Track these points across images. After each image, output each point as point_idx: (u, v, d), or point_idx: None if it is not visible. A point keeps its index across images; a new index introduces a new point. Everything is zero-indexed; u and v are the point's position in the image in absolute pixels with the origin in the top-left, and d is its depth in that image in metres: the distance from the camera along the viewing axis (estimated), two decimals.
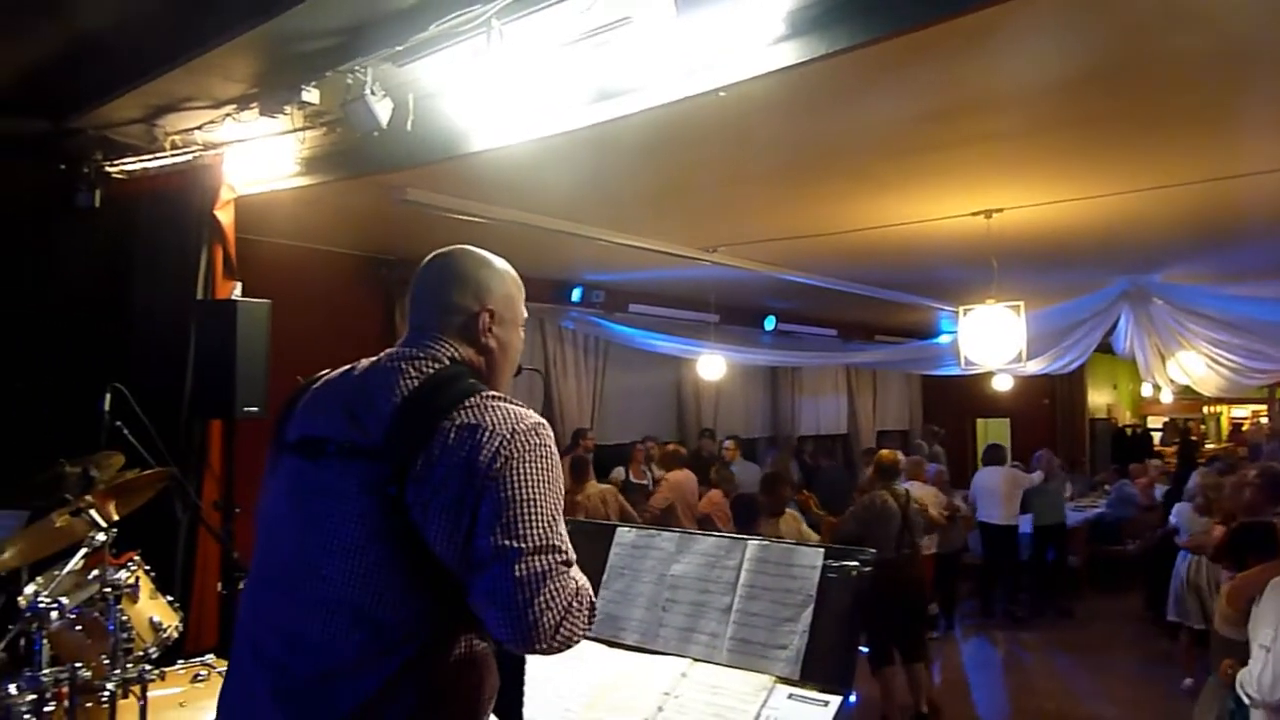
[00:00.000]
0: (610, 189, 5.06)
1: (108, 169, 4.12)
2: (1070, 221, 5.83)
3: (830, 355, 11.77)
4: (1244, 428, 15.51)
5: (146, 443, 3.40)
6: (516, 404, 1.52)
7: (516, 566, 1.37)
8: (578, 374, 8.79)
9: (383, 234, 6.30)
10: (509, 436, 1.44)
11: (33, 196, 4.19)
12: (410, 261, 1.80)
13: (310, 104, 3.32)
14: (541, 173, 4.31)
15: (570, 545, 1.47)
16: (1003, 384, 10.16)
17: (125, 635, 2.87)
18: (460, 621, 1.45)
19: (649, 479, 8.14)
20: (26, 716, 2.63)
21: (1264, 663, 3.10)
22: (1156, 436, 15.46)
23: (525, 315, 1.77)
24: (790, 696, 1.81)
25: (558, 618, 1.39)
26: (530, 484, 1.43)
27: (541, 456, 1.46)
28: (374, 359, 1.64)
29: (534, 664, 2.04)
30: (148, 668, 2.88)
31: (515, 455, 1.43)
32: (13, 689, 2.63)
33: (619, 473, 8.13)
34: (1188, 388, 9.75)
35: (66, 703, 2.68)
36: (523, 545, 1.38)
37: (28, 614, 2.71)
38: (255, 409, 3.70)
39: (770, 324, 10.73)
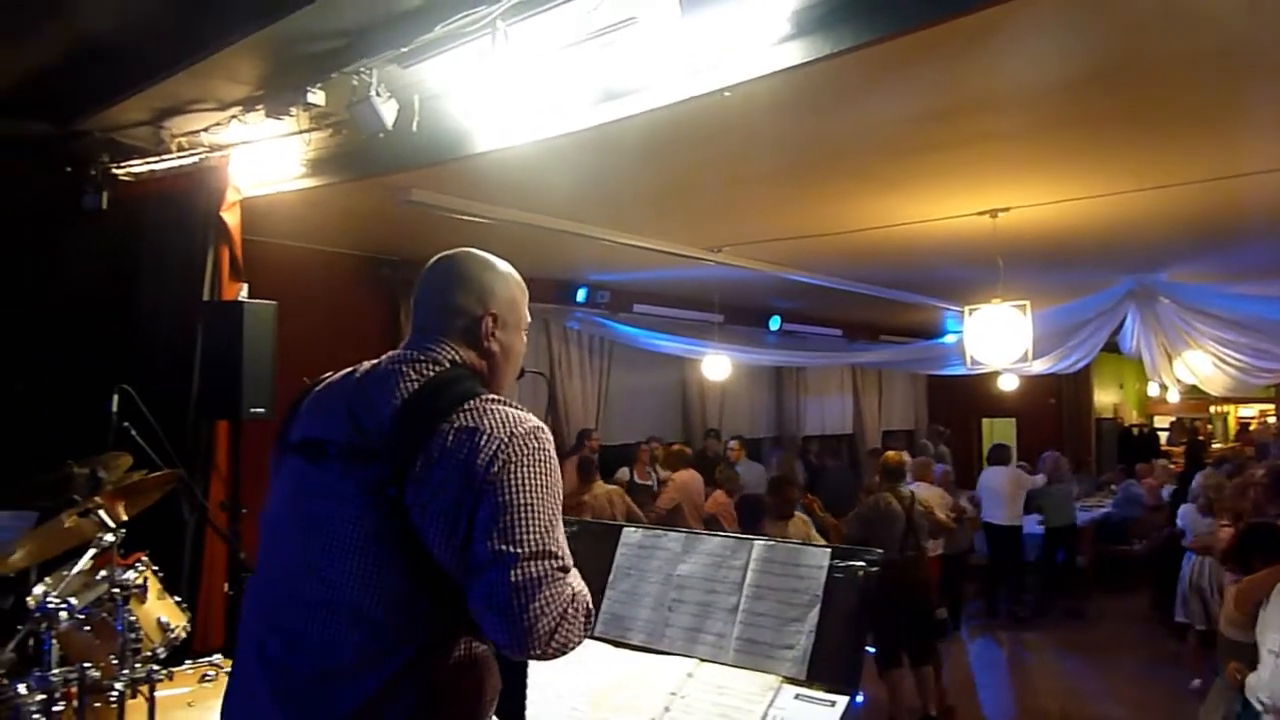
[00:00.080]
0: (615, 189, 5.06)
1: (114, 171, 4.14)
2: (1076, 221, 5.82)
3: (835, 355, 11.76)
4: (1251, 427, 15.44)
5: (154, 444, 3.42)
6: (516, 407, 1.52)
7: (513, 572, 1.37)
8: (582, 374, 8.80)
9: (386, 235, 6.31)
10: (507, 440, 1.44)
11: (40, 199, 4.22)
12: (414, 262, 1.80)
13: (316, 106, 3.33)
14: (546, 173, 4.31)
15: (568, 550, 1.47)
16: (1008, 384, 10.15)
17: (133, 635, 2.89)
18: (460, 624, 1.46)
19: (653, 480, 8.15)
20: (36, 716, 2.64)
21: (1273, 668, 3.09)
22: (1163, 436, 15.41)
23: (528, 319, 1.77)
24: (797, 697, 1.81)
25: (553, 624, 1.39)
26: (528, 488, 1.43)
27: (540, 460, 1.46)
28: (375, 361, 1.65)
29: (539, 665, 2.05)
30: (156, 668, 2.89)
31: (513, 459, 1.43)
32: (22, 689, 2.64)
33: (623, 473, 8.13)
34: (1194, 387, 9.71)
35: (75, 702, 2.70)
36: (519, 550, 1.38)
37: (37, 614, 2.72)
38: (261, 410, 3.71)
39: (775, 324, 10.73)
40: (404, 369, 1.57)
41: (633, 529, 2.28)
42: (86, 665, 2.73)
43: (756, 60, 2.64)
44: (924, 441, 11.46)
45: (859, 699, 1.79)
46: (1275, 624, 3.19)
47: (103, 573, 2.93)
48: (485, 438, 1.44)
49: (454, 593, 1.43)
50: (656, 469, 8.27)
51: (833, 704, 1.77)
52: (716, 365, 8.50)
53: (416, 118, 3.27)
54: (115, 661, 2.81)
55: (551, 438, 1.53)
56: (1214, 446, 13.26)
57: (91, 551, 2.87)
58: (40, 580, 3.00)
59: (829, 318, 11.69)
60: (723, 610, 2.01)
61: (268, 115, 3.50)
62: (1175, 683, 6.23)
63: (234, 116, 3.73)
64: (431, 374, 1.56)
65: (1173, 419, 15.91)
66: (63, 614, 2.73)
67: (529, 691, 1.83)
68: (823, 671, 1.83)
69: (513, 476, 1.42)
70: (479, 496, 1.41)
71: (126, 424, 3.37)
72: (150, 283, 4.28)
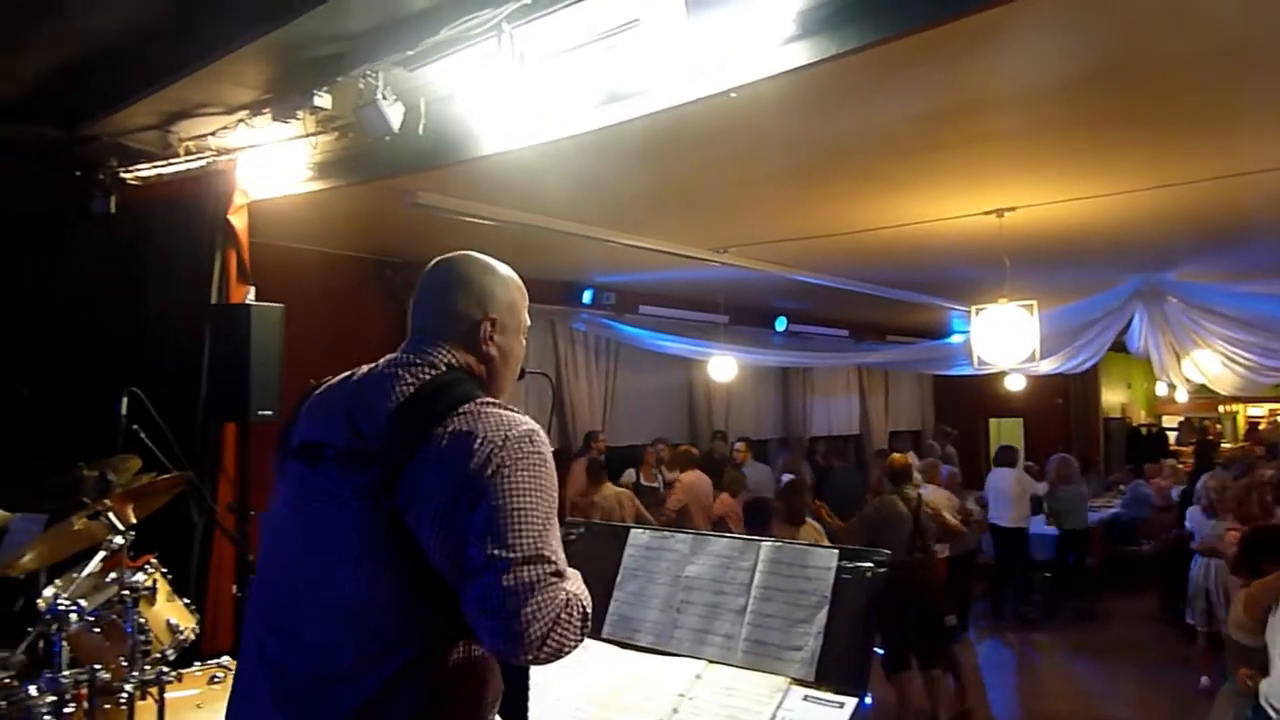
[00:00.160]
0: (620, 190, 5.07)
1: (122, 175, 4.15)
2: (1083, 220, 5.80)
3: (842, 356, 11.74)
4: (1261, 426, 15.39)
5: (163, 446, 3.43)
6: (512, 410, 1.52)
7: (505, 576, 1.37)
8: (589, 376, 8.80)
9: (392, 237, 6.33)
10: (500, 444, 1.44)
11: (49, 203, 4.24)
12: (419, 264, 1.80)
13: (322, 109, 3.34)
14: (551, 175, 4.32)
15: (563, 554, 1.47)
16: (1016, 384, 10.12)
17: (143, 637, 2.90)
18: (459, 626, 1.45)
19: (659, 481, 8.15)
20: (46, 717, 2.66)
21: None
22: (1172, 436, 15.34)
23: (528, 322, 1.77)
24: (805, 698, 1.80)
25: (545, 628, 1.39)
26: (521, 492, 1.42)
27: (534, 464, 1.46)
28: (373, 365, 1.65)
29: (546, 667, 2.05)
30: (165, 669, 2.91)
31: (507, 463, 1.43)
32: (33, 690, 2.66)
33: (629, 475, 8.13)
34: (1203, 386, 9.67)
35: (86, 704, 2.71)
36: (512, 555, 1.38)
37: (47, 616, 2.73)
38: (269, 412, 3.72)
39: (781, 324, 10.71)
40: (400, 373, 1.57)
41: (640, 530, 2.28)
42: (96, 667, 2.74)
43: (762, 61, 2.64)
44: (931, 442, 11.43)
45: (867, 701, 1.79)
46: None
47: (112, 575, 2.94)
48: (479, 441, 1.44)
49: (452, 596, 1.43)
50: (663, 470, 8.27)
51: (841, 706, 1.77)
52: (722, 366, 8.49)
53: (422, 121, 3.28)
54: (125, 663, 2.82)
55: (547, 440, 1.52)
56: (1223, 446, 13.22)
57: (101, 554, 2.89)
58: (50, 582, 3.01)
59: (835, 318, 11.68)
60: (731, 612, 2.01)
61: (274, 119, 3.51)
62: (1184, 684, 6.20)
63: (241, 120, 3.74)
64: (427, 377, 1.55)
65: (1181, 418, 15.82)
66: (73, 616, 2.74)
67: (535, 692, 1.83)
68: (831, 673, 1.83)
69: (506, 480, 1.42)
70: (472, 501, 1.41)
71: (135, 427, 3.38)
72: (158, 286, 4.30)
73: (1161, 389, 14.13)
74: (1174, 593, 7.28)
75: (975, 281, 7.95)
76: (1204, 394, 11.67)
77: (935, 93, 3.64)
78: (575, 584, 1.53)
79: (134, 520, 3.05)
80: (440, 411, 1.48)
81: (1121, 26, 3.04)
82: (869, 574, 1.90)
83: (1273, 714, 3.11)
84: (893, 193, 5.25)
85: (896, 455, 6.27)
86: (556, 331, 8.47)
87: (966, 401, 13.64)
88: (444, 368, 1.58)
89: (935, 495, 6.68)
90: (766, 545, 2.07)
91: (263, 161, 3.99)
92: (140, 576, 2.95)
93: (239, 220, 4.11)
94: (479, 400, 1.51)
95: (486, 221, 5.23)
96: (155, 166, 4.12)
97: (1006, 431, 14.20)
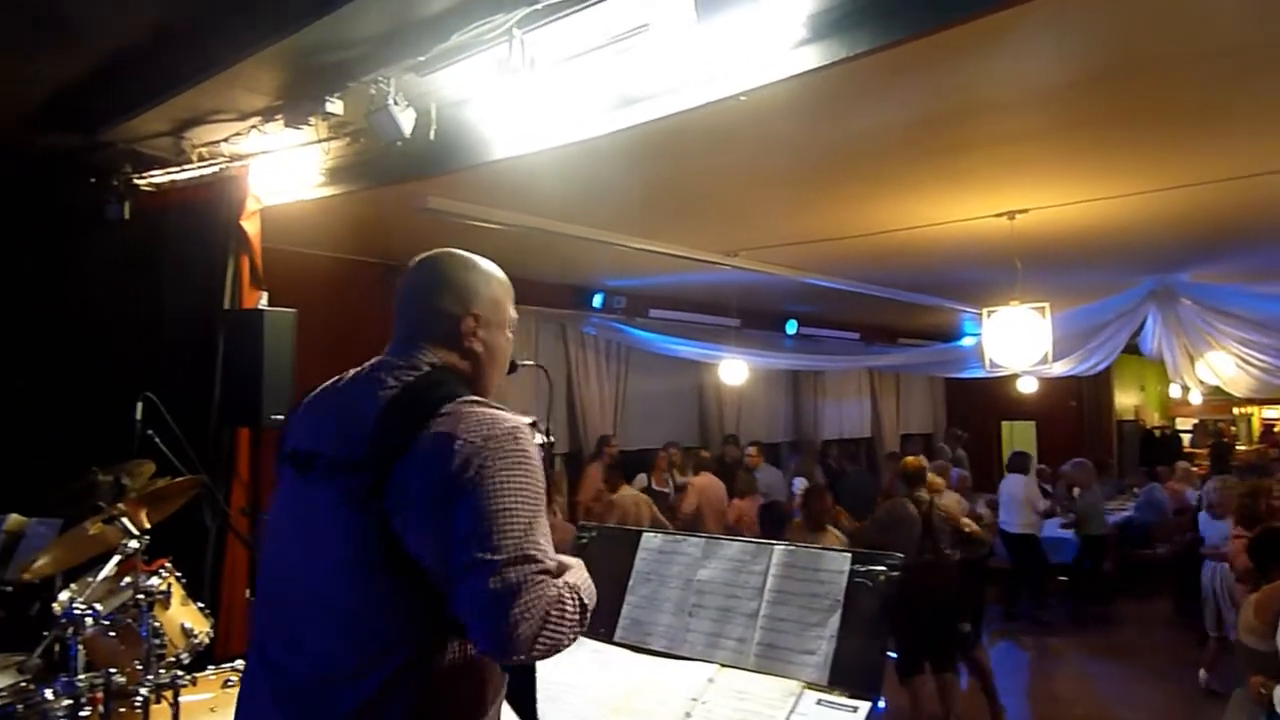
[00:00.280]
0: (630, 194, 5.07)
1: (136, 181, 4.18)
2: (1095, 221, 5.77)
3: (853, 359, 11.72)
4: (1276, 428, 15.26)
5: (177, 451, 3.45)
6: (495, 408, 1.51)
7: (491, 579, 1.36)
8: (599, 379, 8.80)
9: (402, 242, 6.34)
10: (481, 443, 1.43)
11: (65, 209, 4.27)
12: None
13: (334, 115, 3.35)
14: (561, 179, 4.33)
15: (550, 550, 1.46)
16: (1028, 386, 10.07)
17: (158, 641, 2.91)
18: (454, 626, 1.45)
19: (670, 487, 8.14)
20: None
21: None
22: (1186, 438, 15.23)
23: (514, 316, 1.75)
24: (818, 702, 1.80)
25: (535, 628, 1.38)
26: (505, 492, 1.41)
27: (517, 462, 1.44)
28: (359, 369, 1.65)
29: (559, 670, 2.05)
30: (180, 673, 2.91)
31: (489, 463, 1.42)
32: (49, 694, 2.67)
33: (640, 480, 8.13)
34: (1217, 388, 9.61)
35: (101, 708, 2.73)
36: (497, 557, 1.37)
37: (63, 620, 2.75)
38: (281, 417, 3.73)
39: (792, 328, 10.70)
40: (383, 376, 1.57)
41: (652, 534, 2.28)
42: (112, 670, 2.75)
43: (773, 65, 2.64)
44: (941, 445, 11.40)
45: (881, 705, 1.78)
46: None
47: (127, 579, 2.95)
48: (459, 443, 1.43)
49: (442, 599, 1.43)
50: (674, 475, 8.26)
51: (854, 710, 1.76)
52: (733, 370, 8.48)
53: (434, 126, 3.29)
54: (140, 667, 2.83)
55: (531, 436, 1.50)
56: (1238, 448, 13.11)
57: (116, 558, 2.90)
58: (66, 587, 3.02)
59: (846, 321, 11.65)
60: (743, 615, 2.00)
61: (287, 125, 3.53)
62: (1198, 688, 6.17)
63: (254, 126, 3.77)
64: (411, 379, 1.55)
65: (1195, 421, 15.71)
66: (88, 620, 2.75)
67: (547, 698, 1.83)
68: (844, 677, 1.82)
69: (488, 480, 1.41)
70: (456, 502, 1.40)
71: (150, 431, 3.40)
72: (172, 291, 4.32)
73: (1175, 391, 14.02)
74: (1188, 597, 7.23)
75: (987, 284, 7.92)
76: (1218, 396, 11.60)
77: (946, 95, 3.64)
78: (575, 574, 1.53)
79: (148, 525, 3.06)
80: (423, 414, 1.47)
81: (1133, 26, 3.03)
82: (882, 577, 1.90)
83: None
84: (903, 195, 5.24)
85: (910, 458, 6.24)
86: (567, 335, 8.48)
87: (978, 404, 13.59)
88: (427, 368, 1.58)
89: (946, 498, 6.64)
90: (779, 549, 2.06)
91: (275, 167, 4.02)
92: (155, 581, 2.96)
93: (252, 226, 4.13)
94: (462, 400, 1.49)
95: (497, 226, 5.25)
96: (169, 173, 4.15)
97: (1019, 434, 14.13)
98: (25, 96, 3.67)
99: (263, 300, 4.06)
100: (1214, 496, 6.60)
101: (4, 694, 2.73)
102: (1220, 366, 8.53)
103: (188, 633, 3.08)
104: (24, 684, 2.78)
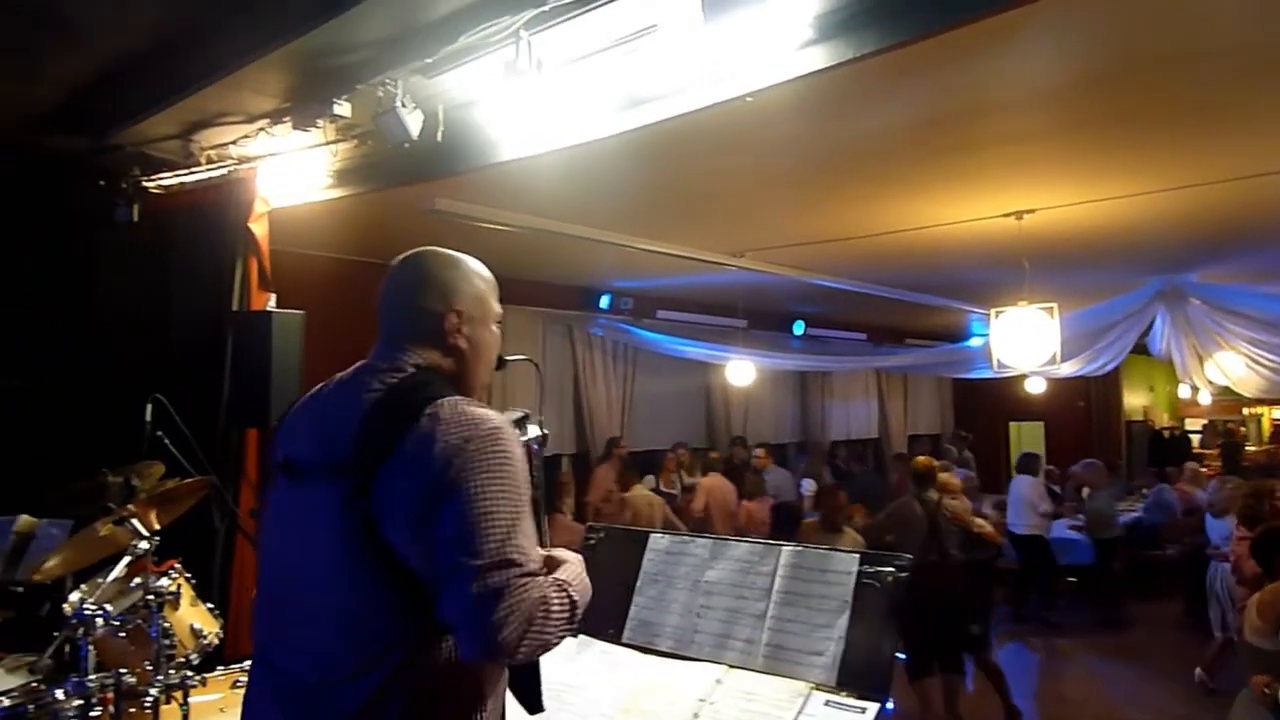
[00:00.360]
0: (637, 195, 5.08)
1: (145, 184, 4.20)
2: (1103, 221, 5.75)
3: (860, 359, 11.69)
4: None
5: (186, 452, 3.46)
6: (478, 407, 1.49)
7: (473, 584, 1.35)
8: (607, 381, 8.81)
9: (410, 243, 6.26)
10: (462, 444, 1.42)
11: (74, 212, 4.30)
12: None
13: (342, 117, 3.36)
14: (568, 181, 4.33)
15: (534, 549, 1.45)
16: (1036, 386, 10.04)
17: (167, 642, 2.92)
18: (446, 626, 1.45)
19: (678, 488, 8.14)
20: None
21: None
22: (1195, 439, 15.16)
23: (499, 311, 1.74)
24: (827, 703, 1.80)
25: (518, 632, 1.37)
26: (486, 495, 1.40)
27: (498, 463, 1.43)
28: (345, 372, 1.65)
29: (568, 671, 2.06)
30: (189, 674, 2.93)
31: (469, 465, 1.41)
32: (60, 694, 2.69)
33: (648, 481, 8.13)
34: (1227, 389, 9.56)
35: (111, 708, 2.74)
36: (478, 562, 1.36)
37: (73, 620, 2.76)
38: None
39: (799, 328, 10.68)
40: (367, 379, 1.57)
41: (660, 535, 2.28)
42: (122, 671, 2.77)
43: (779, 66, 2.64)
44: (948, 446, 11.38)
45: (889, 706, 1.78)
46: None
47: (137, 580, 2.97)
48: (440, 445, 1.42)
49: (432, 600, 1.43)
50: (682, 476, 8.26)
51: (863, 711, 1.76)
52: (741, 371, 8.48)
53: (441, 127, 3.29)
54: (150, 667, 2.84)
55: (513, 436, 1.49)
56: (1248, 449, 13.04)
57: (126, 559, 2.91)
58: (76, 587, 3.04)
59: (853, 322, 11.63)
60: (751, 616, 2.00)
61: (295, 127, 3.54)
62: (1206, 689, 6.14)
63: (262, 129, 3.78)
64: (395, 381, 1.54)
65: (1205, 421, 15.64)
66: (99, 620, 2.77)
67: (555, 699, 1.83)
68: (853, 678, 1.82)
69: (469, 483, 1.40)
70: (439, 505, 1.39)
71: (159, 433, 3.42)
72: (180, 293, 4.34)
73: (1184, 391, 13.98)
74: (1197, 597, 7.19)
75: (994, 284, 7.91)
76: (1227, 396, 11.55)
77: (953, 95, 3.63)
78: (568, 569, 1.53)
79: (158, 526, 3.07)
80: (406, 416, 1.46)
81: (1138, 26, 3.02)
82: (890, 578, 1.89)
83: None
84: (910, 195, 5.23)
85: (920, 458, 6.21)
86: (574, 337, 8.49)
87: (986, 405, 13.55)
88: (411, 369, 1.58)
89: (956, 500, 6.61)
90: (787, 550, 2.06)
91: (283, 169, 4.03)
92: (164, 581, 2.97)
93: (260, 228, 4.14)
94: (441, 401, 1.48)
95: (504, 228, 5.25)
96: (177, 175, 4.17)
97: (1027, 435, 14.08)
98: (34, 99, 3.69)
99: (271, 302, 4.08)
100: (1214, 495, 6.58)
101: (15, 694, 2.74)
102: (1229, 367, 8.49)
103: (197, 633, 3.09)
104: (35, 684, 2.79)
